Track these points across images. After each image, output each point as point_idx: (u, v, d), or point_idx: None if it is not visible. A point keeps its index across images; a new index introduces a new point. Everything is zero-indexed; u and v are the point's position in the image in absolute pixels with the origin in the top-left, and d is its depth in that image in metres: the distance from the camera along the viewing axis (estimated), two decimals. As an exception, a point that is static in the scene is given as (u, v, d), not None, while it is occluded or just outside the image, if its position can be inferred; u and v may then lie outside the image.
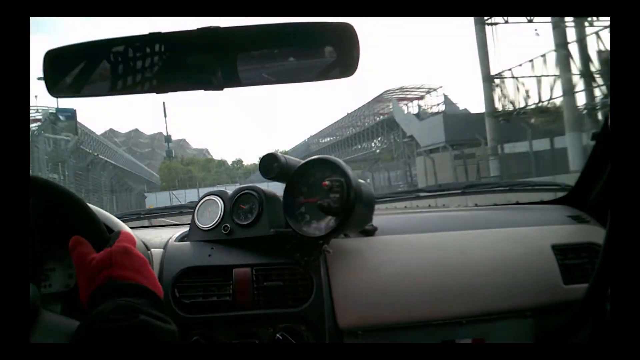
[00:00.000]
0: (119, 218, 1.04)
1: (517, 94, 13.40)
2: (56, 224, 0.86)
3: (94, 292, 0.72)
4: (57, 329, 0.72)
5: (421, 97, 27.82)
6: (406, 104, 27.26)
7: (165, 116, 52.72)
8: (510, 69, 12.96)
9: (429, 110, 25.64)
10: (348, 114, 34.17)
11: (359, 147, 30.84)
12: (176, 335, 0.70)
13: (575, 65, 10.62)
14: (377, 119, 28.56)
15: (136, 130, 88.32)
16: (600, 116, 10.76)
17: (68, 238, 0.80)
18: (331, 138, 37.48)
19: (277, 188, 1.20)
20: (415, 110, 25.97)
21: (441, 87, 27.25)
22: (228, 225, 1.14)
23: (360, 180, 1.05)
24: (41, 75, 0.81)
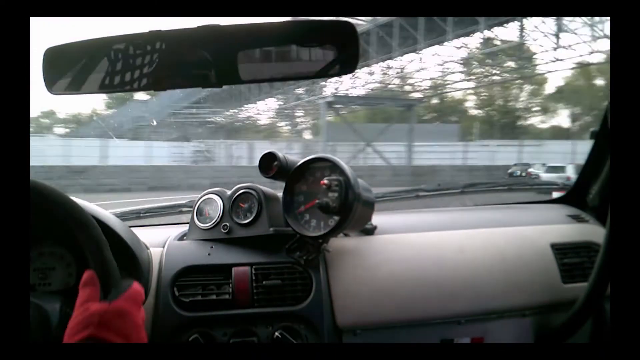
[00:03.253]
0: (118, 217, 1.04)
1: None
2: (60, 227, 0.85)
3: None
4: None
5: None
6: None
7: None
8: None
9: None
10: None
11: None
12: None
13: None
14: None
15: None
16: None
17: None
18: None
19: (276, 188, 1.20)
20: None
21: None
22: (227, 224, 1.14)
23: (360, 180, 1.05)
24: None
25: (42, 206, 0.75)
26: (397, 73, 20.02)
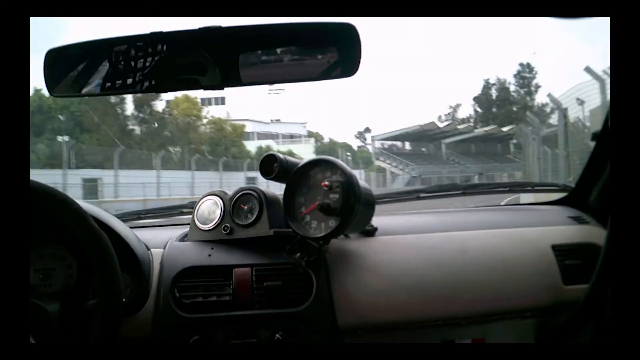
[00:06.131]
0: (119, 218, 1.04)
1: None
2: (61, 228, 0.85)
3: None
4: None
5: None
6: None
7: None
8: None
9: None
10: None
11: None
12: None
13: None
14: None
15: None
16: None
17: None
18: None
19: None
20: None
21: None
22: (228, 225, 1.14)
23: (361, 181, 1.05)
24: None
25: (42, 207, 0.75)
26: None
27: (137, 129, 26.52)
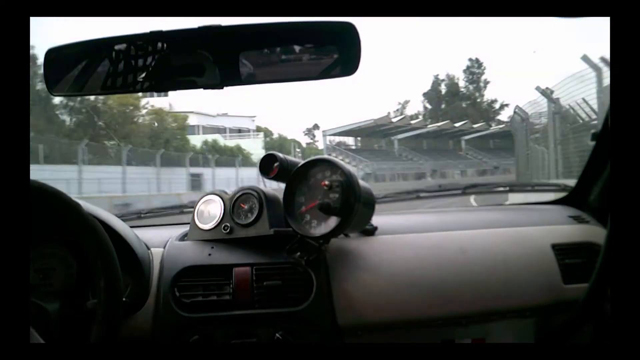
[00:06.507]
0: (119, 217, 1.04)
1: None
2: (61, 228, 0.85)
3: None
4: None
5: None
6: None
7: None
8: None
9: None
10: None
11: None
12: None
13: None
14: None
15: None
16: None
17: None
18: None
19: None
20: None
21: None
22: (228, 225, 1.14)
23: (361, 181, 1.05)
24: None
25: (43, 207, 0.75)
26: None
27: (67, 119, 24.42)
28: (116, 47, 0.78)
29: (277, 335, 1.02)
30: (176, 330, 1.00)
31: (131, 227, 1.07)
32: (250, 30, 0.76)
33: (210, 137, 30.80)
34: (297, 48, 0.80)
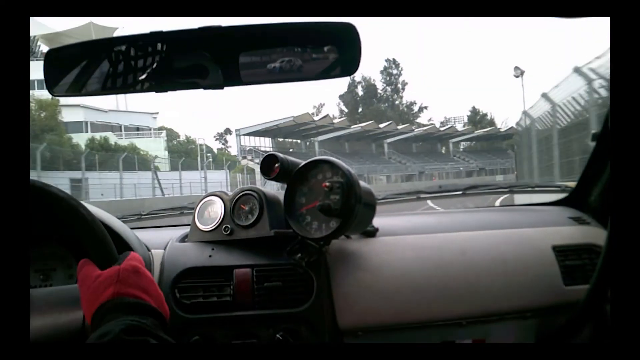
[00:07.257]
0: (119, 219, 1.04)
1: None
2: (59, 228, 0.85)
3: (99, 308, 0.71)
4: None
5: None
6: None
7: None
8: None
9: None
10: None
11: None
12: None
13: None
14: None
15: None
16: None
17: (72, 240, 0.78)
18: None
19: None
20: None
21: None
22: (229, 226, 1.14)
23: (362, 182, 1.05)
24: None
25: (43, 206, 0.75)
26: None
27: None
28: (116, 48, 0.78)
29: (277, 336, 1.02)
30: (176, 331, 1.00)
31: (131, 228, 1.07)
32: (250, 31, 0.76)
33: (100, 135, 27.86)
34: (296, 48, 0.80)
